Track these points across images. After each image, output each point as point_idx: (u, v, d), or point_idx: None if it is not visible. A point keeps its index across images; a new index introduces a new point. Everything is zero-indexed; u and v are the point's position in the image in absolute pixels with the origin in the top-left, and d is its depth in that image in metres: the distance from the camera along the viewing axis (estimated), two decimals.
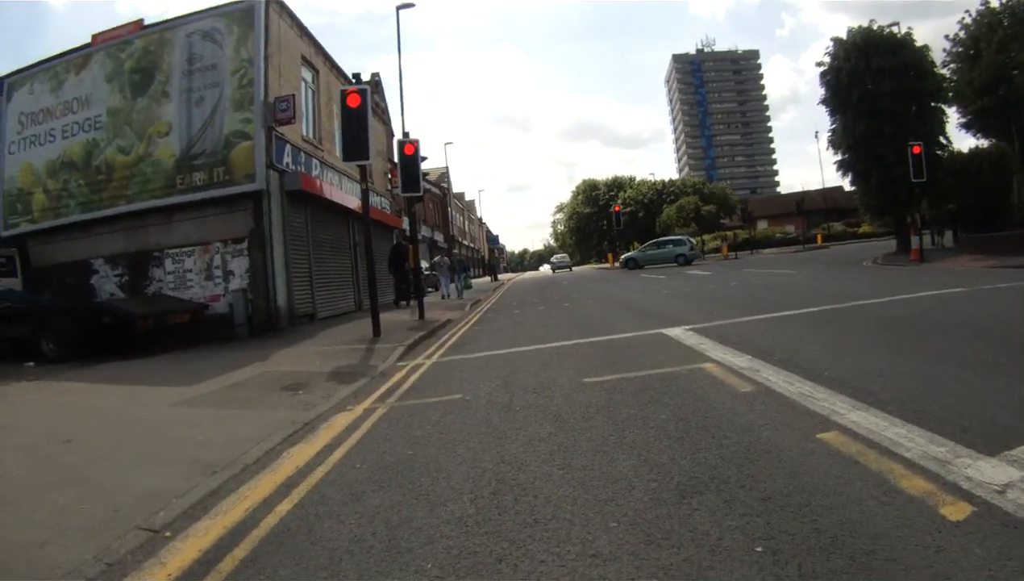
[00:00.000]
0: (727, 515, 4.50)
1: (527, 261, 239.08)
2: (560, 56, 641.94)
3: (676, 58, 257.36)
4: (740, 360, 9.97)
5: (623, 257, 74.99)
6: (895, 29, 46.10)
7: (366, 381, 11.98)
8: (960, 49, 50.22)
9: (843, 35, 46.64)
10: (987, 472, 4.84)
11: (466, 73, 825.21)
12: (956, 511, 4.27)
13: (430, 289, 38.27)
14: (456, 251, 56.28)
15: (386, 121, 45.21)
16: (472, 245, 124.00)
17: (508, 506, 5.14)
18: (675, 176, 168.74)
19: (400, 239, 33.99)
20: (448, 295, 36.80)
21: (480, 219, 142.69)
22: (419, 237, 37.49)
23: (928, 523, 4.14)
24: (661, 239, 71.54)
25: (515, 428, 7.48)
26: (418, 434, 7.73)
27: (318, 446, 7.71)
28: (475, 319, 23.80)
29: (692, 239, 73.24)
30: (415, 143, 22.93)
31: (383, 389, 11.06)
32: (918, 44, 46.28)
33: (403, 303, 29.93)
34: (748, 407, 7.36)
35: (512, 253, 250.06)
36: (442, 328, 20.74)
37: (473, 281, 72.86)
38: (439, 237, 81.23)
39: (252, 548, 4.97)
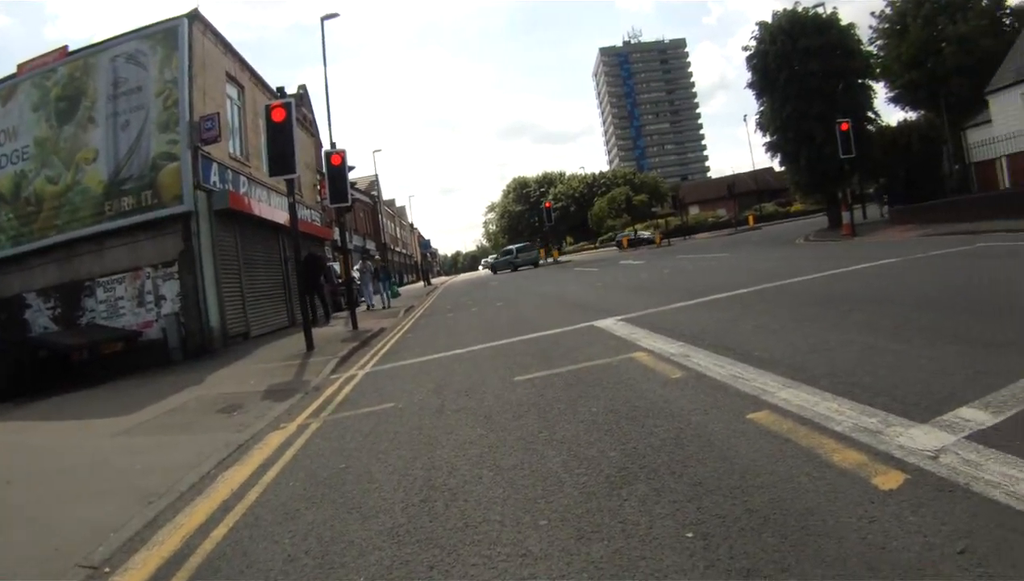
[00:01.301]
0: (657, 503, 4.49)
1: (460, 263, 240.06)
2: (487, 55, 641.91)
3: (603, 51, 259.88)
4: (671, 347, 9.99)
5: (489, 263, 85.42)
6: (820, 10, 46.66)
7: (300, 397, 11.87)
8: (887, 25, 51.33)
9: (769, 19, 47.08)
10: (920, 439, 4.88)
11: (394, 78, 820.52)
12: (889, 480, 4.30)
13: (362, 299, 36.30)
14: (378, 257, 55.48)
15: (313, 133, 44.86)
16: (405, 251, 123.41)
17: (439, 512, 5.11)
18: (606, 168, 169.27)
19: (311, 251, 30.91)
20: (372, 305, 35.13)
21: (412, 224, 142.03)
22: (350, 247, 37.00)
23: (861, 494, 4.16)
24: (508, 247, 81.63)
25: (446, 433, 7.44)
26: (351, 446, 7.67)
27: (252, 467, 7.62)
28: (408, 326, 23.72)
29: (533, 246, 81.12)
30: (342, 153, 22.82)
31: (317, 404, 10.97)
32: (844, 23, 46.85)
33: (333, 316, 29.09)
34: (679, 393, 7.35)
35: (445, 256, 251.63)
36: (375, 337, 20.63)
37: (407, 287, 72.86)
38: (371, 245, 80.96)
39: (189, 577, 4.91)
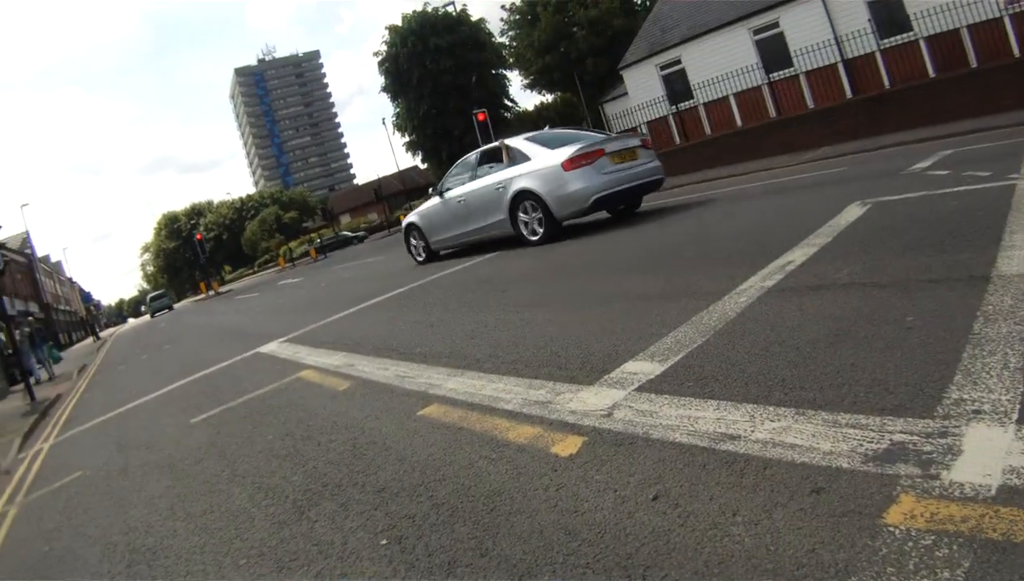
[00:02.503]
0: (347, 518, 4.39)
1: (126, 310, 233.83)
2: (124, 89, 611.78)
3: (239, 72, 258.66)
4: (335, 359, 9.89)
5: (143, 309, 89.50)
6: (450, 8, 47.80)
7: None
8: (518, 16, 52.91)
9: (399, 22, 47.83)
10: (590, 401, 4.95)
11: (32, 124, 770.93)
12: (567, 446, 4.34)
13: (40, 366, 33.18)
14: (32, 318, 52.62)
15: None
16: (69, 308, 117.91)
17: (144, 575, 4.82)
18: (253, 190, 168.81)
19: None
20: (38, 376, 31.52)
21: (70, 279, 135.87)
22: (12, 312, 34.92)
23: (542, 466, 4.19)
24: (155, 294, 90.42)
25: (134, 491, 7.04)
26: (50, 526, 7.13)
27: None
28: (84, 386, 22.70)
29: (166, 293, 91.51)
30: None
31: (11, 488, 10.25)
32: (474, 19, 48.29)
33: (10, 390, 27.25)
34: (348, 404, 7.30)
35: (110, 306, 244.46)
36: (54, 405, 19.64)
37: (79, 345, 69.92)
38: (34, 308, 77.19)
39: None
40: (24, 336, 32.47)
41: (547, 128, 21.59)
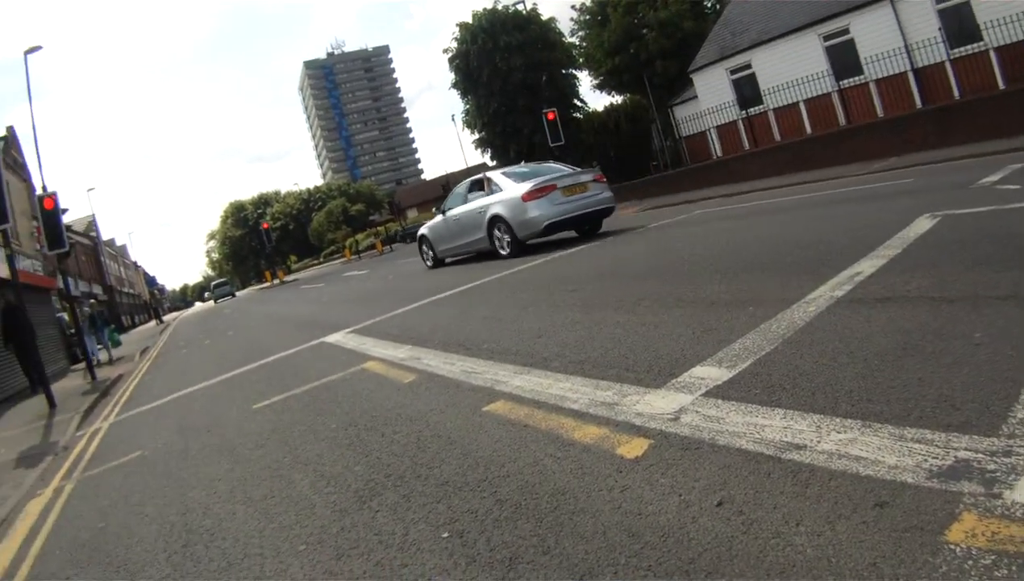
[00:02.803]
0: (408, 509, 4.43)
1: (190, 295, 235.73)
2: (194, 78, 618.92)
3: (308, 65, 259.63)
4: (401, 352, 9.92)
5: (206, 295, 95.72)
6: (521, 7, 47.82)
7: (51, 459, 11.19)
8: (588, 17, 52.78)
9: (469, 19, 47.92)
10: (657, 404, 4.94)
11: (108, 109, 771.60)
12: (633, 448, 4.34)
13: (101, 347, 33.22)
14: (94, 300, 52.55)
15: (25, 177, 42.20)
16: (133, 291, 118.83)
17: (201, 556, 4.87)
18: (320, 182, 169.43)
19: (7, 299, 23.96)
20: (97, 358, 31.07)
21: (135, 263, 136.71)
22: (76, 294, 35.25)
23: (607, 467, 4.19)
24: (218, 282, 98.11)
25: (194, 473, 7.14)
26: (106, 503, 7.24)
27: (19, 541, 7.11)
28: (145, 368, 22.86)
29: (228, 282, 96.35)
30: (53, 196, 21.63)
31: (68, 463, 10.35)
32: (544, 18, 48.24)
33: (71, 368, 27.41)
34: (413, 397, 7.32)
35: (174, 290, 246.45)
36: (115, 385, 19.86)
37: (140, 328, 70.48)
38: (97, 289, 77.92)
39: None
40: (84, 317, 32.54)
41: (522, 163, 28.32)
